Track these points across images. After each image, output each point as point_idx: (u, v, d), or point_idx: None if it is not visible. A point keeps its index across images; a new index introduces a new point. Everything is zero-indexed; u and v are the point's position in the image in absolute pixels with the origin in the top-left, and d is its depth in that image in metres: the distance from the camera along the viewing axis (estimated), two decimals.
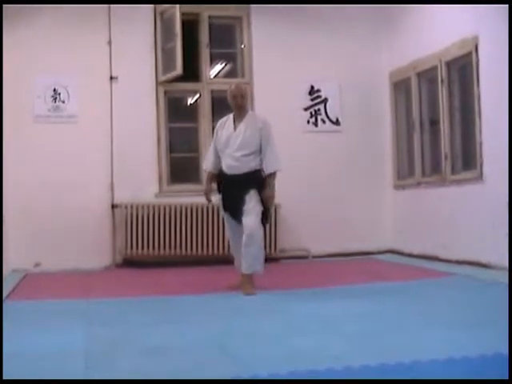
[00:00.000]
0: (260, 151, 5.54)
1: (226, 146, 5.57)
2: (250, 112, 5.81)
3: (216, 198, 5.84)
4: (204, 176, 8.04)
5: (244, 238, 5.48)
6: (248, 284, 5.49)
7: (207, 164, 5.83)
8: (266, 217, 5.60)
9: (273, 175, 5.56)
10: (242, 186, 5.49)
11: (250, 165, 5.52)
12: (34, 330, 4.10)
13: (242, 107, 5.65)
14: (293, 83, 8.27)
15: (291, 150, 8.18)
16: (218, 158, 5.70)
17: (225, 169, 5.61)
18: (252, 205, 5.48)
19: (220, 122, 5.80)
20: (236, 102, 5.61)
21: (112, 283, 6.73)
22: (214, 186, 5.80)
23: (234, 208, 5.57)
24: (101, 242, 7.73)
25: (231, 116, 5.70)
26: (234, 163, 5.54)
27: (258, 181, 5.55)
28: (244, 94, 5.69)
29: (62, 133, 7.70)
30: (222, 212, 5.81)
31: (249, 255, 5.50)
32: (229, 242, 6.07)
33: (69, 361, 3.28)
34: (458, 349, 3.24)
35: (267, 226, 7.86)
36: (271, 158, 5.52)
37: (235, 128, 5.59)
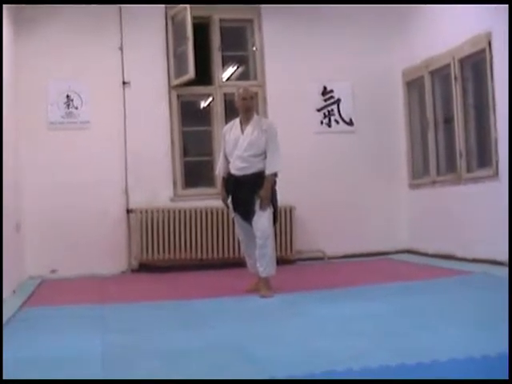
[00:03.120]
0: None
1: (234, 147, 5.62)
2: (255, 115, 5.84)
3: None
4: (218, 179, 8.09)
5: (257, 240, 5.51)
6: (265, 287, 5.50)
7: (220, 170, 5.85)
8: (274, 217, 5.62)
9: (270, 177, 5.57)
10: (251, 187, 5.52)
11: (258, 166, 5.56)
12: (51, 336, 4.10)
13: (250, 110, 5.71)
14: (305, 84, 8.25)
15: (305, 151, 8.20)
16: (229, 162, 5.73)
17: (234, 170, 5.63)
18: (264, 209, 5.51)
19: (226, 127, 5.89)
20: (245, 104, 5.66)
21: (128, 288, 6.74)
22: None
23: (244, 209, 5.60)
24: (116, 247, 7.74)
25: (237, 120, 5.75)
26: (242, 164, 5.58)
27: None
28: (253, 97, 5.81)
29: (75, 139, 7.72)
30: (232, 214, 5.82)
31: (264, 258, 5.51)
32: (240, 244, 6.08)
33: (86, 366, 3.28)
34: (477, 348, 3.20)
35: (282, 228, 7.92)
36: (271, 160, 5.56)
37: (242, 131, 5.64)
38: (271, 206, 5.58)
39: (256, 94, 8.18)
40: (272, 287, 5.52)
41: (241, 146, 5.58)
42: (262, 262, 5.51)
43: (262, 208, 5.51)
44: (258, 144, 5.56)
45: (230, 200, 5.71)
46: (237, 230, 5.93)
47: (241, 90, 5.75)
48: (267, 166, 5.56)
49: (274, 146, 5.60)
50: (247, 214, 5.58)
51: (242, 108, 5.68)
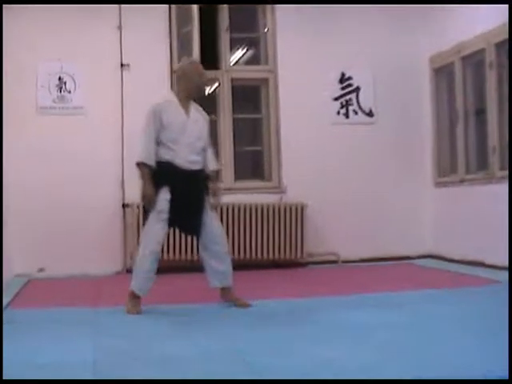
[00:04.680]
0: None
1: (181, 133, 5.16)
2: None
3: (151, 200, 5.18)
4: (224, 171, 8.18)
5: (219, 248, 5.29)
6: (235, 294, 5.42)
7: (151, 157, 5.13)
8: None
9: (215, 171, 5.48)
10: (201, 187, 5.26)
11: (203, 161, 5.30)
12: (37, 341, 4.17)
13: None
14: (321, 70, 8.29)
15: (319, 143, 8.26)
16: (165, 149, 5.19)
17: (182, 162, 5.14)
18: (213, 212, 5.35)
19: (158, 104, 5.20)
20: (204, 84, 5.44)
21: (122, 290, 6.77)
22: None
23: (191, 216, 5.19)
24: (110, 245, 7.81)
25: (174, 100, 5.26)
26: (195, 157, 5.22)
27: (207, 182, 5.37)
28: None
29: (68, 126, 7.79)
30: (158, 216, 5.12)
31: (230, 264, 5.40)
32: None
33: (76, 373, 3.34)
34: (498, 363, 3.26)
35: (292, 228, 7.98)
36: (211, 156, 5.39)
37: (187, 113, 5.24)
38: None
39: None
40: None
41: (191, 133, 5.20)
42: (228, 270, 5.37)
43: (212, 208, 5.29)
44: (204, 135, 5.32)
45: (163, 198, 5.13)
46: (157, 239, 5.17)
47: (195, 63, 5.48)
48: (210, 159, 5.34)
49: (208, 140, 5.41)
50: (195, 222, 5.21)
51: (201, 87, 5.36)
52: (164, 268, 7.77)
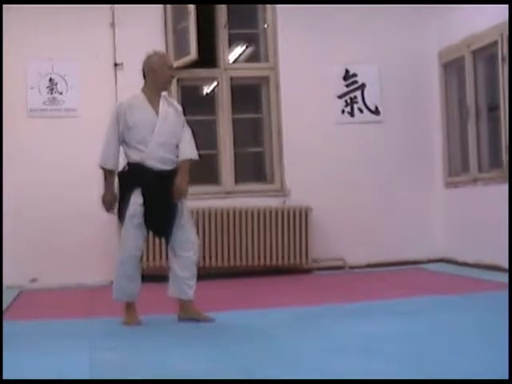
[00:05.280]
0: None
1: (150, 132, 5.06)
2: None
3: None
4: (224, 174, 8.15)
5: (190, 255, 5.14)
6: (197, 310, 5.24)
7: (109, 160, 5.16)
8: None
9: (187, 163, 5.19)
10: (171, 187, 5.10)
11: (176, 159, 5.16)
12: (30, 355, 4.14)
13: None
14: (324, 67, 8.28)
15: (323, 143, 8.24)
16: (118, 151, 5.20)
17: (153, 162, 5.05)
18: (187, 215, 5.26)
19: (120, 105, 5.20)
20: (171, 76, 5.31)
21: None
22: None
23: (162, 218, 5.09)
24: (106, 253, 7.75)
25: (140, 95, 5.19)
26: (168, 155, 5.11)
27: None
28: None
29: (59, 128, 7.78)
30: (131, 221, 5.07)
31: (195, 277, 5.20)
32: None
33: None
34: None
35: (296, 233, 7.95)
36: (187, 146, 5.18)
37: (156, 111, 5.13)
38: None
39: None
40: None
41: (161, 131, 5.08)
42: (192, 281, 5.18)
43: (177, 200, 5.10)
44: (177, 131, 5.18)
45: (136, 202, 5.06)
46: (133, 244, 5.10)
47: (164, 55, 5.47)
48: (182, 150, 5.15)
49: (188, 132, 5.26)
50: (166, 224, 5.10)
51: (164, 80, 5.20)
52: (161, 276, 7.77)
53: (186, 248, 5.14)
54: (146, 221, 5.06)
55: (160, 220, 5.11)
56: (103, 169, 5.23)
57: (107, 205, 5.25)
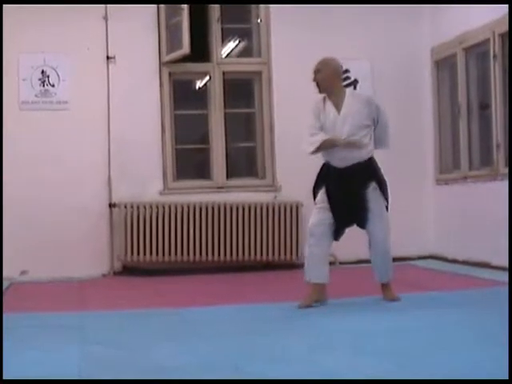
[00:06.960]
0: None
1: (332, 131, 5.60)
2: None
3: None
4: (215, 169, 8.14)
5: (378, 247, 5.79)
6: (392, 290, 5.71)
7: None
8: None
9: None
10: (356, 182, 5.58)
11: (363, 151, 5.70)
12: (19, 349, 4.13)
13: (318, 86, 5.84)
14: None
15: None
16: None
17: (333, 161, 5.61)
18: (379, 206, 5.72)
19: (316, 103, 5.85)
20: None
21: (110, 294, 6.79)
22: None
23: (348, 214, 5.66)
24: (97, 247, 7.78)
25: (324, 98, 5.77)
26: (345, 153, 5.59)
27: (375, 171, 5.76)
28: (318, 70, 5.88)
29: (51, 122, 7.76)
30: (324, 213, 5.62)
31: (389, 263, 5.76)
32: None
33: None
34: (504, 372, 3.23)
35: (287, 228, 7.96)
36: (383, 135, 6.07)
37: (338, 109, 5.69)
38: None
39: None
40: None
41: (341, 130, 5.60)
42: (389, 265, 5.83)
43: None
44: (362, 123, 5.74)
45: (322, 192, 5.79)
46: (315, 231, 5.77)
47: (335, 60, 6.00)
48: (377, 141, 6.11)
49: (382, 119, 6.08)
50: (351, 220, 5.92)
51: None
52: (158, 269, 7.78)
53: (376, 241, 5.86)
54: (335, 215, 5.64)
55: (344, 216, 5.73)
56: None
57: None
